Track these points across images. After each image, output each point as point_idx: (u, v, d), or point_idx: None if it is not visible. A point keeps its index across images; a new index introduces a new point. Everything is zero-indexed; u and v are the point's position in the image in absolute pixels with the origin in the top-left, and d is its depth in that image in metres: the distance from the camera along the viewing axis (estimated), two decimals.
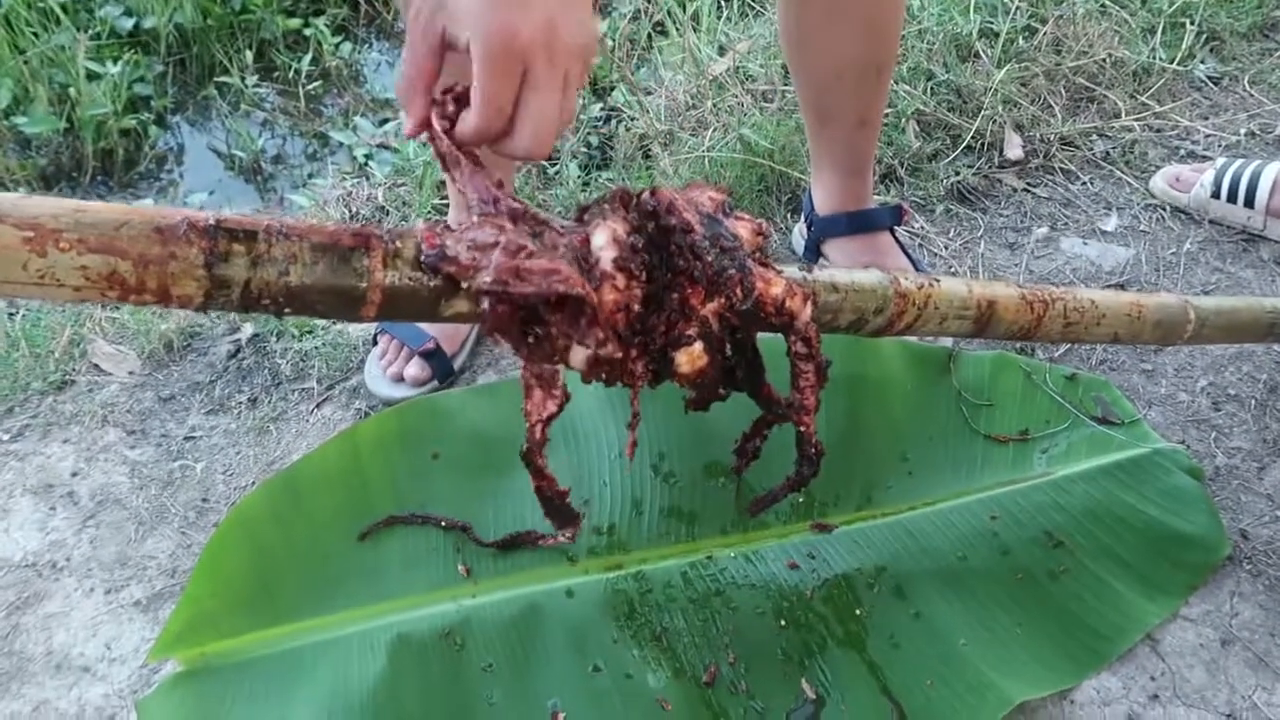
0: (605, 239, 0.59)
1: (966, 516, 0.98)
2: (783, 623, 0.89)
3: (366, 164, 1.75)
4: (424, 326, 1.11)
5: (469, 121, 0.58)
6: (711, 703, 0.84)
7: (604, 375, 0.62)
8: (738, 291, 0.63)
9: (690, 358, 0.64)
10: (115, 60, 1.98)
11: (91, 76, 1.95)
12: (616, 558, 0.92)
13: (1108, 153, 1.48)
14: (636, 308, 0.60)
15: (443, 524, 0.92)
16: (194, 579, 0.86)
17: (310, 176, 1.93)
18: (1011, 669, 0.87)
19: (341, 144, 1.93)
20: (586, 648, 0.86)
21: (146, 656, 0.85)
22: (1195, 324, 0.94)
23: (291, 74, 2.09)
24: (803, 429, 0.71)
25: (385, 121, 1.93)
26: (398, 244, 0.54)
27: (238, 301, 0.49)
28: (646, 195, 0.63)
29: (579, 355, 0.59)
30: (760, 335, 0.71)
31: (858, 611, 0.90)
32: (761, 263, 0.66)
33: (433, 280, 0.54)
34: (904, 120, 1.47)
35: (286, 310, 0.51)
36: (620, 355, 0.59)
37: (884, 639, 0.89)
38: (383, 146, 1.86)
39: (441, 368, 1.12)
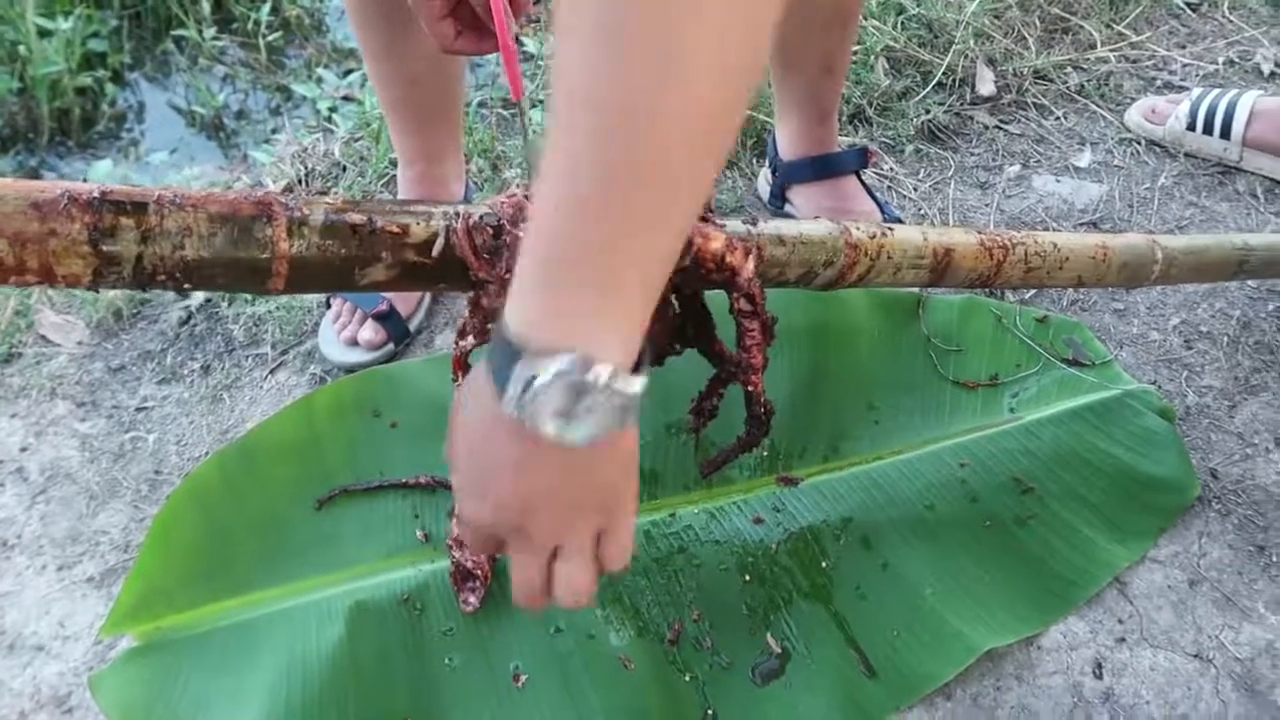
0: None
1: (934, 465, 0.96)
2: (747, 578, 0.88)
3: (330, 117, 1.70)
4: None
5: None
6: (675, 660, 0.83)
7: None
8: None
9: None
10: (67, 15, 1.92)
11: (43, 33, 1.89)
12: None
13: (1082, 85, 1.44)
14: None
15: (407, 483, 0.90)
16: (145, 552, 0.84)
17: (274, 131, 1.88)
18: (978, 617, 0.86)
19: (305, 97, 1.88)
20: (548, 609, 0.85)
21: (99, 632, 0.84)
22: (1163, 264, 0.91)
23: (251, 25, 2.03)
24: (751, 388, 0.69)
25: (349, 72, 1.88)
26: (304, 211, 0.51)
27: (131, 279, 0.47)
28: None
29: None
30: (713, 292, 0.69)
31: (824, 564, 0.89)
32: (700, 217, 0.64)
33: (343, 248, 0.52)
34: (873, 57, 1.43)
35: (186, 286, 0.48)
36: None
37: (850, 590, 0.88)
38: (347, 99, 1.80)
39: (396, 330, 1.09)
